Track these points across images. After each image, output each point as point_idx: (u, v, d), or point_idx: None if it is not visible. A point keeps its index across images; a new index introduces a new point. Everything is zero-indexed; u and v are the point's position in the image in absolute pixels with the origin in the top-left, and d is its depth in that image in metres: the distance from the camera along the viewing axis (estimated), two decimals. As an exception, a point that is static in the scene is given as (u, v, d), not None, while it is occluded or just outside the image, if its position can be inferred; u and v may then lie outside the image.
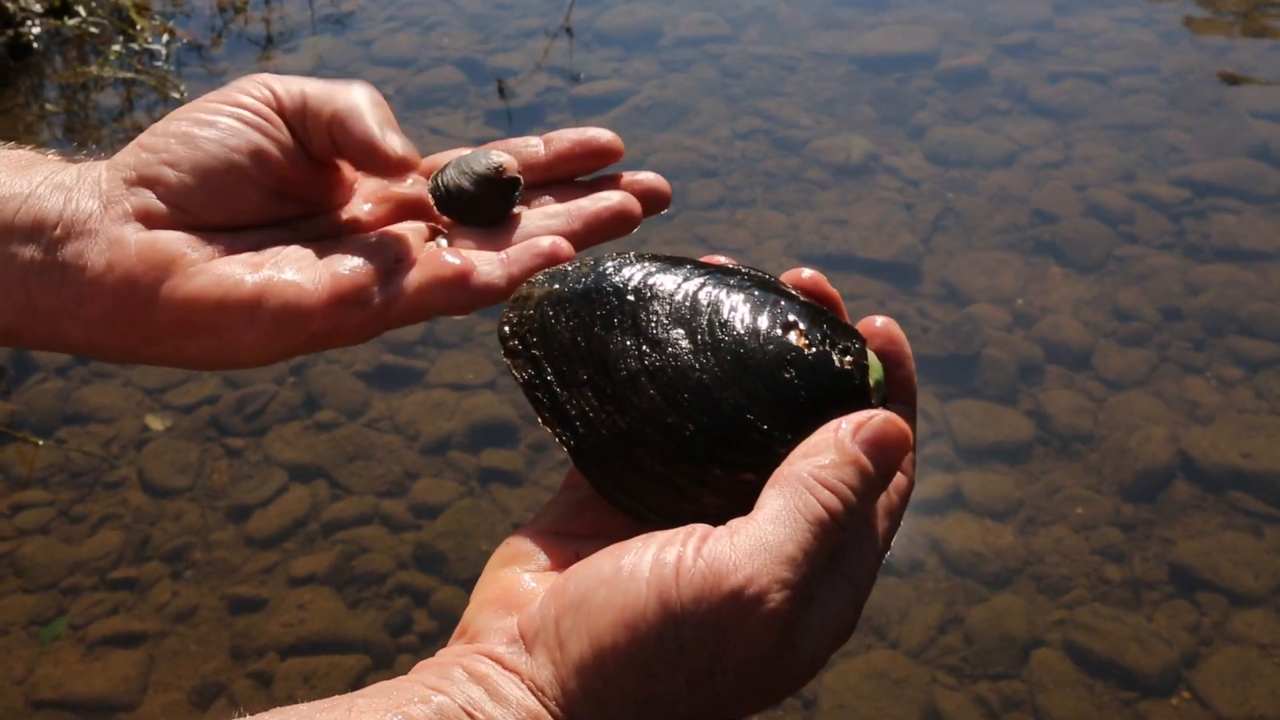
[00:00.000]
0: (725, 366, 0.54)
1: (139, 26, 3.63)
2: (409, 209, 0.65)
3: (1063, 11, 3.65)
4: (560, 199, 0.65)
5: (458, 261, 0.59)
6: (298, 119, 0.60)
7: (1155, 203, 2.87)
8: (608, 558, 0.48)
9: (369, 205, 0.65)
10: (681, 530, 0.48)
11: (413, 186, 0.65)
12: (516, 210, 0.64)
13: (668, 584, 0.46)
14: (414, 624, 2.04)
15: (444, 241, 0.63)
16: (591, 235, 0.63)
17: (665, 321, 0.56)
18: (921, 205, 2.90)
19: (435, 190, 0.64)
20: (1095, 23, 3.59)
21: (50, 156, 0.60)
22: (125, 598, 2.09)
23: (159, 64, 3.55)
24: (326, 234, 0.62)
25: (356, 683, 1.96)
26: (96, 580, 2.12)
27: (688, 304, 0.56)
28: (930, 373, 2.46)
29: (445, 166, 0.65)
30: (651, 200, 0.65)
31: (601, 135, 0.65)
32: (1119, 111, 3.20)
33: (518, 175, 0.64)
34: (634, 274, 0.58)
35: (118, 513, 2.24)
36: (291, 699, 1.93)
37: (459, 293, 0.58)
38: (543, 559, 0.53)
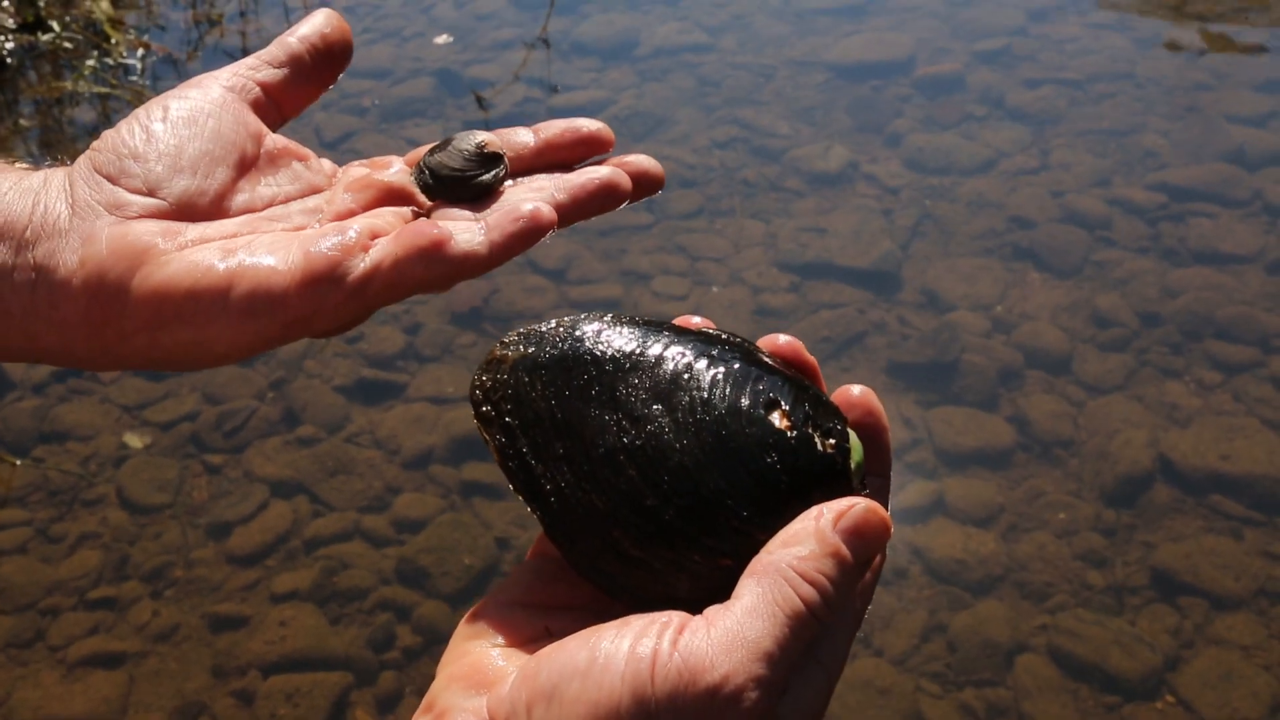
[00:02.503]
0: (706, 448, 0.53)
1: (114, 41, 3.61)
2: (393, 197, 0.63)
3: (1037, 18, 3.67)
4: (549, 178, 0.63)
5: (434, 231, 0.56)
6: (284, 67, 0.63)
7: (1132, 208, 2.89)
8: (582, 645, 0.47)
9: (350, 195, 0.63)
10: (658, 619, 0.48)
11: (396, 174, 0.64)
12: (501, 189, 0.63)
13: (643, 679, 0.45)
14: (397, 639, 2.03)
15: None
16: (577, 208, 0.61)
17: (645, 396, 0.54)
18: (900, 212, 2.91)
19: (419, 175, 0.63)
20: (1070, 29, 3.61)
21: (17, 166, 0.59)
22: (105, 617, 2.08)
23: (134, 78, 3.53)
24: (306, 224, 0.61)
25: (339, 700, 1.94)
26: (75, 600, 2.11)
27: (668, 377, 0.55)
28: (911, 380, 2.47)
29: (428, 152, 0.65)
30: (643, 181, 0.63)
31: (590, 124, 0.64)
32: (1095, 117, 3.22)
33: (501, 152, 0.63)
34: (612, 341, 0.56)
35: (97, 531, 2.22)
36: (274, 718, 1.92)
37: (438, 263, 0.55)
38: (512, 633, 0.52)
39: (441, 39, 3.57)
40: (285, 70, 0.64)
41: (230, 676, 1.98)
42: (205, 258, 0.55)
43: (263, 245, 0.56)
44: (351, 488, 2.29)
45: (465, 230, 0.57)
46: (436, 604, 2.07)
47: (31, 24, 3.64)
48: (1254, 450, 2.27)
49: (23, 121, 3.39)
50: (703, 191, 3.00)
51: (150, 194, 0.57)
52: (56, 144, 3.32)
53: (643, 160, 0.63)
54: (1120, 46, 3.53)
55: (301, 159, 0.64)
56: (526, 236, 0.57)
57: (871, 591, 0.54)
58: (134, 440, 2.39)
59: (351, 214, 0.61)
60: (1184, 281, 2.67)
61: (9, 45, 3.58)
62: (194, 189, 0.58)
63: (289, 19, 3.82)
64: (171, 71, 3.58)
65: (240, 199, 0.60)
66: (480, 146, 0.63)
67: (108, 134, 0.59)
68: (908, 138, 3.15)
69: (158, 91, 3.43)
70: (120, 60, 3.58)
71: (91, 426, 2.42)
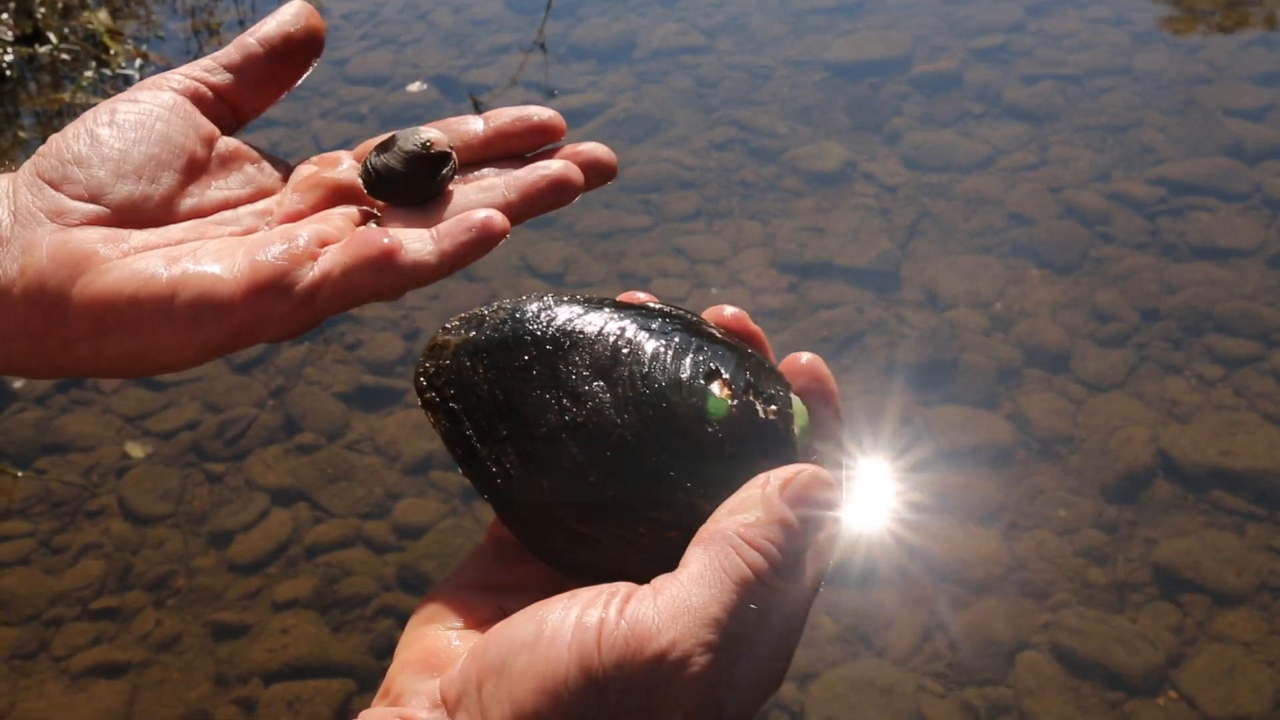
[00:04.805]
0: (647, 422, 0.53)
1: (112, 51, 3.62)
2: (342, 195, 0.62)
3: (1035, 13, 3.66)
4: (499, 174, 0.62)
5: (385, 240, 0.55)
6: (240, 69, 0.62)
7: (1131, 203, 2.88)
8: (529, 620, 0.47)
9: (299, 195, 0.62)
10: (605, 590, 0.47)
11: (345, 171, 0.63)
12: (451, 188, 0.61)
13: (589, 649, 0.45)
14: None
15: (375, 225, 0.60)
16: (529, 206, 0.60)
17: (585, 373, 0.54)
18: (898, 211, 2.91)
19: (365, 173, 0.62)
20: (1067, 24, 3.61)
21: None
22: (108, 628, 2.08)
23: (133, 88, 3.54)
24: (255, 227, 0.60)
25: (342, 707, 1.95)
26: (79, 611, 2.11)
27: (608, 353, 0.54)
28: (910, 378, 2.47)
29: (374, 150, 0.63)
30: (595, 171, 0.61)
31: (542, 112, 0.63)
32: (1093, 112, 3.21)
33: (448, 150, 0.62)
34: (552, 320, 0.56)
35: (99, 542, 2.23)
36: (277, 725, 1.92)
37: (387, 273, 0.54)
38: (467, 616, 0.52)
39: (415, 86, 3.54)
40: (242, 73, 0.63)
41: (232, 685, 1.99)
42: (148, 265, 0.54)
43: (208, 253, 0.55)
44: (352, 494, 2.29)
45: (416, 239, 0.56)
46: (438, 610, 2.07)
47: (30, 36, 3.65)
48: (1255, 445, 2.26)
49: (22, 134, 3.40)
50: (701, 193, 3.00)
51: (93, 200, 0.56)
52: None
53: (594, 149, 0.62)
54: (1118, 41, 3.53)
55: (254, 161, 0.63)
56: (478, 245, 0.56)
57: (827, 557, 0.53)
58: (135, 450, 2.40)
59: (300, 215, 0.60)
60: (1184, 276, 2.67)
61: (8, 58, 3.59)
62: (139, 194, 0.57)
63: (287, 27, 3.82)
64: (170, 81, 3.59)
65: (188, 203, 0.59)
66: (425, 146, 0.61)
67: (53, 139, 0.58)
68: (905, 136, 3.15)
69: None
70: (119, 71, 3.59)
71: (93, 437, 2.43)
